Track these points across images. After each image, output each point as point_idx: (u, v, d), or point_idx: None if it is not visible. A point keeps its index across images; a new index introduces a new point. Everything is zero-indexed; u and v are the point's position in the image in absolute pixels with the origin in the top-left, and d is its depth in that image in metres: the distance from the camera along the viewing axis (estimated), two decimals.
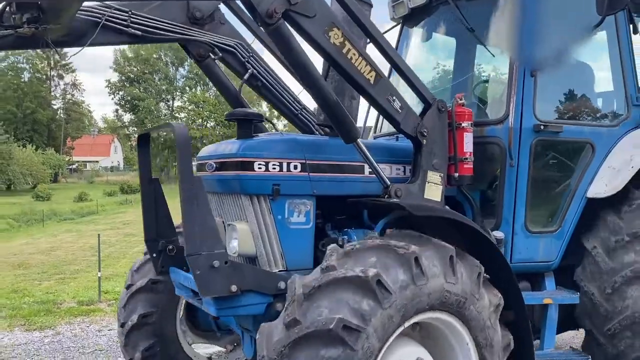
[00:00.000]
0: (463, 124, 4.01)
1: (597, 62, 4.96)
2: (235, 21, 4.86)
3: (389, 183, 3.75)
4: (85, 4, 3.84)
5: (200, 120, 62.78)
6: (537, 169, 4.34)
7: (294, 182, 3.71)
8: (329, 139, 4.16)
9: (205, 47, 4.64)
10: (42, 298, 9.90)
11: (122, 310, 4.89)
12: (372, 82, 3.58)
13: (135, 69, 66.08)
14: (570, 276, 4.60)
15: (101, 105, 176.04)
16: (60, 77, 75.33)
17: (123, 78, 65.85)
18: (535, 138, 4.28)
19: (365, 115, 5.57)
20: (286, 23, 3.27)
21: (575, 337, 6.17)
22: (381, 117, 5.29)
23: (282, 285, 3.43)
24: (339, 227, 3.99)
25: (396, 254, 3.07)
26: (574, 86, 4.77)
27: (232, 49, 4.73)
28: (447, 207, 4.01)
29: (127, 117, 68.67)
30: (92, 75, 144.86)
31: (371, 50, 3.86)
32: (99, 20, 4.01)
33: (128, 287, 4.91)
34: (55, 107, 74.74)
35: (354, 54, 3.48)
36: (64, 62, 71.87)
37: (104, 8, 4.06)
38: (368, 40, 3.87)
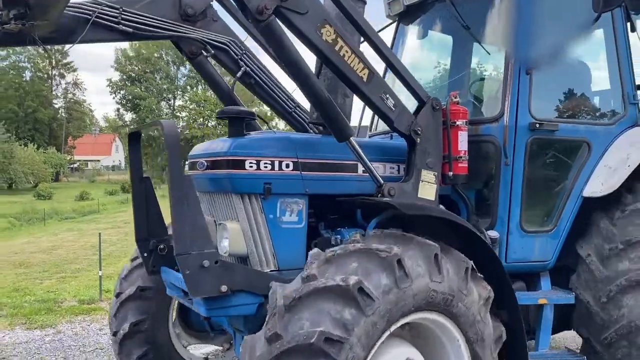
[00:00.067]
0: (458, 122, 3.98)
1: (594, 60, 4.93)
2: (228, 18, 4.84)
3: (382, 182, 3.71)
4: (74, 0, 3.80)
5: (201, 119, 62.64)
6: (533, 168, 4.28)
7: (285, 181, 3.66)
8: (322, 137, 4.09)
9: (197, 44, 4.60)
10: (43, 297, 9.88)
11: (113, 319, 4.85)
12: (365, 79, 3.54)
13: (136, 68, 65.88)
14: (566, 276, 4.55)
15: (102, 104, 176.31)
16: (62, 76, 75.41)
17: (124, 77, 65.66)
18: (531, 136, 4.23)
19: (360, 114, 5.55)
20: (277, 20, 3.23)
21: (574, 338, 6.11)
22: (376, 116, 5.25)
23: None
24: (332, 227, 3.93)
25: (378, 257, 3.00)
26: (570, 84, 4.73)
27: (225, 46, 4.71)
28: (441, 206, 3.97)
29: (128, 116, 68.48)
30: (93, 75, 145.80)
31: (365, 48, 3.82)
32: (89, 17, 3.98)
33: (117, 295, 4.86)
34: (56, 106, 74.82)
35: (347, 51, 3.43)
36: (65, 62, 72.05)
37: (94, 5, 4.03)
38: (362, 39, 3.83)
